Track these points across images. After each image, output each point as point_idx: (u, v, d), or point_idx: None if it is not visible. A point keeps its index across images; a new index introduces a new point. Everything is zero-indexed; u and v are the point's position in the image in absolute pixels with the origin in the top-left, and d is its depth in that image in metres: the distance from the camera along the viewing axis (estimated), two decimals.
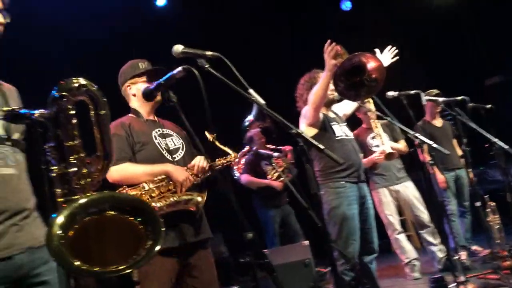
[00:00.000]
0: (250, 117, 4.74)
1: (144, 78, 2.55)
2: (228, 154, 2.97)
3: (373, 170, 4.77)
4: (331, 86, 3.32)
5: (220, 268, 6.09)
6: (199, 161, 2.51)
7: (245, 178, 5.23)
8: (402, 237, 4.75)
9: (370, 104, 4.41)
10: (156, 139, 2.49)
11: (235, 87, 1.90)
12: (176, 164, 2.44)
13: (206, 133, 3.10)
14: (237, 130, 5.25)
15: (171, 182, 2.33)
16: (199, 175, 2.47)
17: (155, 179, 2.31)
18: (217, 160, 2.86)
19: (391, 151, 4.29)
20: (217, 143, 3.12)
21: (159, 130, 2.54)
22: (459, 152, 5.07)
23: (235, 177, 5.31)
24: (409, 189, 4.75)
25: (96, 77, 1.52)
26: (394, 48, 3.65)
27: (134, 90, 2.56)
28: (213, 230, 6.59)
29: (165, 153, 2.47)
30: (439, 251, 4.61)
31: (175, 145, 2.58)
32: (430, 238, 4.64)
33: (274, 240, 5.22)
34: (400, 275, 4.85)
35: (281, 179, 4.88)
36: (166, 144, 2.51)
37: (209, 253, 2.51)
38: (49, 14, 5.19)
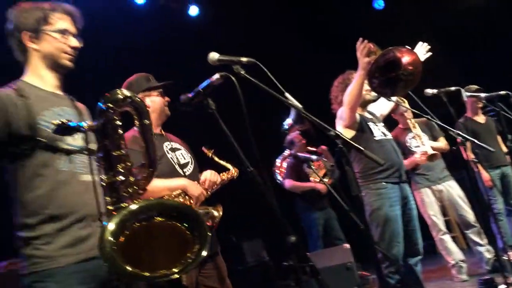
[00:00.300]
0: (289, 121, 4.77)
1: (157, 92, 2.60)
2: (228, 169, 3.00)
3: (415, 170, 4.67)
4: (366, 86, 3.29)
5: (261, 273, 6.15)
6: (211, 176, 2.59)
7: (288, 182, 5.23)
8: (447, 238, 4.63)
9: (405, 104, 4.34)
10: (168, 153, 2.52)
11: (272, 92, 1.91)
12: (184, 178, 2.49)
13: (204, 149, 3.13)
14: (273, 135, 5.28)
15: (186, 197, 2.37)
16: (209, 190, 2.54)
17: (173, 193, 2.35)
18: (220, 174, 2.90)
19: (433, 152, 4.21)
20: (215, 158, 3.13)
21: (168, 144, 2.57)
22: (504, 149, 4.90)
23: (278, 182, 5.33)
24: (453, 189, 4.63)
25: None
26: (426, 44, 3.58)
27: (149, 103, 2.55)
28: (253, 235, 6.65)
29: (177, 167, 2.52)
30: (486, 251, 4.46)
31: (184, 159, 2.63)
32: (476, 238, 4.50)
33: (318, 243, 5.18)
34: (447, 277, 4.72)
35: (325, 180, 4.85)
36: (177, 158, 2.57)
37: (219, 260, 2.56)
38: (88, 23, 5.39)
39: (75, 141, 1.73)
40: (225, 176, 2.83)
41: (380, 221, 3.14)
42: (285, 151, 5.16)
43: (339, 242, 5.18)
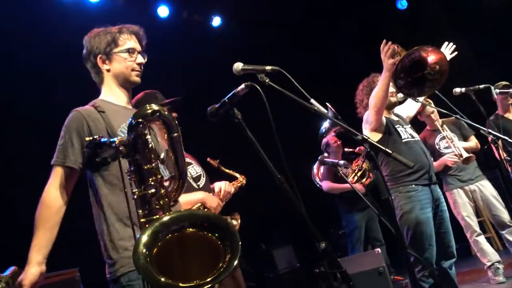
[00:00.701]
0: (326, 124, 4.77)
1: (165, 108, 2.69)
2: (236, 177, 3.06)
3: (446, 171, 4.60)
4: (391, 89, 3.26)
5: (292, 280, 6.12)
6: (225, 186, 2.74)
7: (325, 185, 5.23)
8: (481, 239, 4.51)
9: (430, 105, 4.27)
10: None
11: (298, 99, 1.92)
12: (201, 191, 2.63)
13: (209, 160, 3.19)
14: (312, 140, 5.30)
15: (205, 209, 2.47)
16: (223, 200, 2.68)
17: (193, 208, 2.45)
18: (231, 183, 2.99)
19: (468, 155, 4.13)
20: (222, 168, 3.20)
21: None
22: None
23: (318, 186, 5.33)
24: (486, 188, 4.52)
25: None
26: (452, 44, 3.52)
27: None
28: (284, 243, 6.64)
29: (192, 181, 2.63)
30: None
31: (196, 172, 2.79)
32: None
33: (356, 247, 5.15)
34: (483, 279, 4.60)
35: (363, 181, 4.82)
36: (189, 172, 2.70)
37: (238, 273, 2.64)
38: None
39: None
40: (235, 185, 2.92)
41: (411, 225, 3.09)
42: (324, 154, 5.19)
43: (377, 244, 5.14)
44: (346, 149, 5.17)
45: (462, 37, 6.89)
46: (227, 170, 3.18)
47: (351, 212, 5.24)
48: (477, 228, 4.55)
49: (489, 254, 4.42)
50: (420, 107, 3.99)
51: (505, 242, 4.52)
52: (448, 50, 3.49)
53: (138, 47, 2.09)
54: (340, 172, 3.25)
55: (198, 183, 2.67)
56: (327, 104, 3.91)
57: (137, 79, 2.07)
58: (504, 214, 4.42)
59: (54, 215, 1.83)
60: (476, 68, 6.80)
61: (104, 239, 1.84)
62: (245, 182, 3.14)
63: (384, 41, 3.02)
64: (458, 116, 3.39)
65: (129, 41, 2.06)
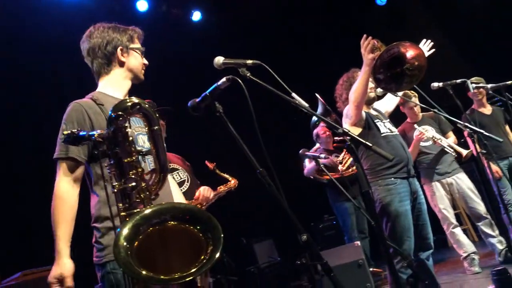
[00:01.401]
0: (314, 117, 4.80)
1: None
2: (228, 180, 3.23)
3: (423, 163, 4.69)
4: (371, 84, 3.30)
5: (273, 273, 6.14)
6: (204, 192, 2.92)
7: (305, 171, 5.24)
8: (458, 231, 4.62)
9: (415, 98, 4.34)
10: None
11: (279, 93, 1.93)
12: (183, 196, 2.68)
13: (206, 163, 3.35)
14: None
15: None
16: (204, 204, 2.85)
17: None
18: (218, 188, 3.12)
19: (466, 151, 4.28)
20: (217, 171, 3.37)
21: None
22: None
23: (312, 178, 5.33)
24: (462, 181, 4.62)
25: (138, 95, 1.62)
26: (430, 41, 3.58)
27: None
28: (264, 236, 6.66)
29: None
30: (498, 243, 4.44)
31: (180, 178, 2.96)
32: (488, 230, 4.48)
33: (353, 234, 5.19)
34: (459, 270, 4.71)
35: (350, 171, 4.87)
36: (173, 178, 2.84)
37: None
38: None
39: (145, 143, 1.92)
40: (222, 188, 3.05)
41: (390, 217, 3.15)
42: (316, 145, 5.22)
43: (361, 236, 5.21)
44: (336, 138, 5.23)
45: (441, 32, 7.01)
46: (220, 173, 3.33)
47: (340, 201, 5.27)
48: (454, 220, 4.65)
49: (465, 245, 4.52)
50: (401, 99, 4.05)
51: (481, 233, 4.63)
52: (426, 47, 3.55)
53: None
54: (321, 165, 3.28)
55: (180, 188, 2.79)
56: (317, 95, 3.94)
57: (143, 77, 2.20)
58: (480, 206, 4.53)
59: (71, 209, 1.84)
60: (455, 62, 6.92)
61: (98, 225, 1.86)
62: (235, 187, 3.30)
63: (365, 36, 3.05)
64: (436, 110, 3.45)
65: (139, 42, 2.22)
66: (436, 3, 7.50)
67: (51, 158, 1.94)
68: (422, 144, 4.62)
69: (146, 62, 2.22)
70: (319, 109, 4.28)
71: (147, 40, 2.34)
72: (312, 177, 5.27)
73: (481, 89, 4.68)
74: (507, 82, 4.07)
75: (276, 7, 7.02)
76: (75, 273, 1.81)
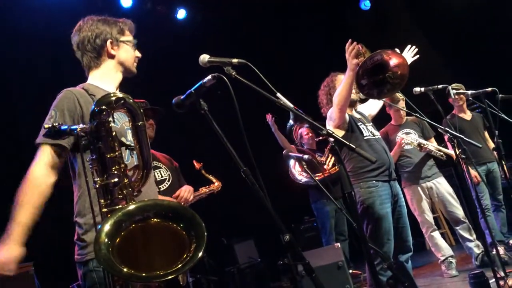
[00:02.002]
0: (290, 121, 4.83)
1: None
2: (212, 182, 3.24)
3: (404, 167, 4.74)
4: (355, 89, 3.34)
5: (253, 273, 6.14)
6: (184, 193, 2.92)
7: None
8: (436, 235, 4.68)
9: (402, 102, 4.39)
10: None
11: (264, 93, 1.92)
12: (161, 194, 2.70)
13: (194, 162, 3.36)
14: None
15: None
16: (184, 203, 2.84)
17: None
18: (200, 189, 3.13)
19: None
20: (203, 171, 3.39)
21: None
22: (491, 145, 4.98)
23: (297, 180, 5.31)
24: (442, 185, 4.68)
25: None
26: (414, 47, 3.63)
27: None
28: (244, 237, 6.64)
29: None
30: (476, 247, 4.52)
31: (161, 176, 2.96)
32: (466, 234, 4.55)
33: (331, 237, 5.21)
34: (436, 273, 4.77)
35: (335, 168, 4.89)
36: (155, 176, 2.84)
37: None
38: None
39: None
40: (203, 190, 3.05)
41: (371, 219, 3.18)
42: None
43: (341, 238, 5.24)
44: (318, 138, 5.25)
45: (424, 37, 7.11)
46: (206, 174, 3.35)
47: (322, 203, 5.29)
48: (433, 224, 4.71)
49: (443, 249, 4.59)
50: (388, 99, 4.11)
51: (459, 237, 4.71)
52: (410, 53, 3.61)
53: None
54: (305, 166, 3.29)
55: (160, 186, 2.77)
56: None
57: (135, 70, 2.16)
58: (459, 211, 4.60)
59: (40, 195, 1.71)
60: (437, 68, 7.03)
61: (80, 221, 1.78)
62: (218, 189, 3.31)
63: (350, 41, 3.07)
64: (417, 115, 3.49)
65: (130, 34, 2.17)
66: (419, 8, 7.61)
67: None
68: (405, 147, 4.67)
69: (138, 54, 2.18)
70: (293, 115, 4.33)
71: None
72: (306, 181, 5.26)
73: (462, 95, 4.76)
74: (487, 89, 4.15)
75: (260, 8, 7.02)
76: (57, 272, 1.77)
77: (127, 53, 2.11)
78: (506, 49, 7.10)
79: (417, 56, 3.63)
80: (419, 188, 4.70)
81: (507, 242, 4.93)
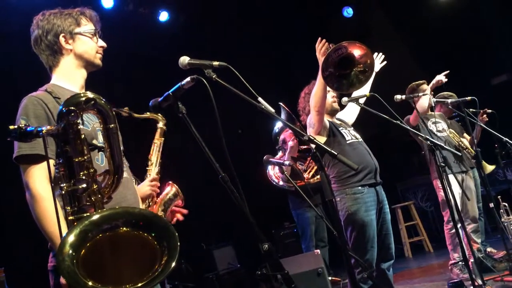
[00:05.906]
0: (279, 124, 4.75)
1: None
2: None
3: None
4: (334, 93, 3.32)
5: (232, 280, 6.06)
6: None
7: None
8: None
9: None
10: None
11: (244, 96, 1.87)
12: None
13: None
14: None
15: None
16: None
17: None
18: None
19: None
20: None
21: None
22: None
23: (275, 184, 5.20)
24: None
25: (104, 96, 1.50)
26: (381, 54, 3.66)
27: None
28: (224, 243, 6.56)
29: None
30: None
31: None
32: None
33: (311, 244, 5.16)
34: (415, 280, 4.78)
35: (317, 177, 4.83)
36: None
37: None
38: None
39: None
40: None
41: (355, 226, 3.12)
42: (279, 153, 5.12)
43: (321, 244, 5.19)
44: (301, 147, 5.18)
45: (406, 45, 7.17)
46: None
47: (303, 209, 5.24)
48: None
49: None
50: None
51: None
52: (378, 59, 3.63)
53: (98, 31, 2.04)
54: (285, 172, 3.23)
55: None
56: (280, 104, 3.89)
57: (100, 62, 2.01)
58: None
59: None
60: (419, 75, 7.10)
61: None
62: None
63: (319, 39, 3.04)
64: (399, 122, 3.48)
65: (90, 23, 2.01)
66: (401, 16, 7.68)
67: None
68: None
69: (102, 44, 2.02)
70: (283, 117, 4.26)
71: (112, 39, 2.22)
72: (282, 185, 5.19)
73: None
74: (467, 98, 4.18)
75: (243, 13, 6.99)
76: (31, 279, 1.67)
77: (84, 45, 1.96)
78: (487, 58, 7.23)
79: (385, 62, 3.65)
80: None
81: (485, 249, 4.95)
